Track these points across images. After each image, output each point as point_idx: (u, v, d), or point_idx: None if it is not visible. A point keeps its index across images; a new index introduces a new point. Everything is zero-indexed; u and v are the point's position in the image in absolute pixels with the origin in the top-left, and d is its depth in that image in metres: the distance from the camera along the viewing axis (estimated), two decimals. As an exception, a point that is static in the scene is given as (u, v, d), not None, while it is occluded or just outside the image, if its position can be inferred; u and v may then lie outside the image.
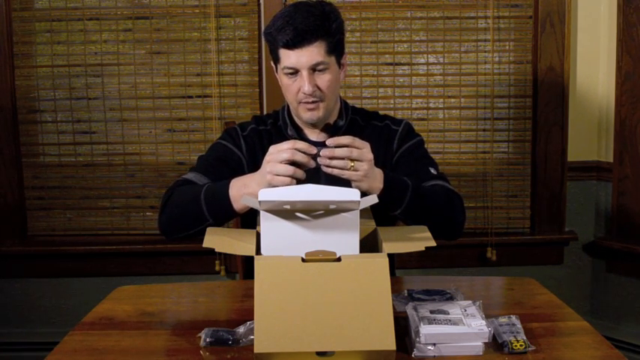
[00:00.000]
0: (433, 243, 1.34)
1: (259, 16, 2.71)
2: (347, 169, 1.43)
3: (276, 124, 1.78)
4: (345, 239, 1.32)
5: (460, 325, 1.27)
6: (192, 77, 2.75)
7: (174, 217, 1.63)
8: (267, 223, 1.32)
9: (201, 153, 1.81)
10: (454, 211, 1.65)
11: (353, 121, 1.78)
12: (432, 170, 1.72)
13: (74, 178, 2.79)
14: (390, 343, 1.17)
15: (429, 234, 1.39)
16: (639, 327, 2.72)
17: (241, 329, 1.34)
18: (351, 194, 1.28)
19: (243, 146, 1.75)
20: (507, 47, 2.74)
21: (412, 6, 2.71)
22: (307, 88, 1.61)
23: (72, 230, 2.82)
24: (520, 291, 1.64)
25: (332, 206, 1.30)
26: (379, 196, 1.37)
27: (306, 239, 1.31)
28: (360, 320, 1.18)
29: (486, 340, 1.27)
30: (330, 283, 1.21)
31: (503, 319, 1.35)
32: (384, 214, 1.53)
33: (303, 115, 1.68)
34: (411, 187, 1.55)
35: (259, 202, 1.28)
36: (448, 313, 1.31)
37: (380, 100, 2.74)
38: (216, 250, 1.30)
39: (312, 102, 1.64)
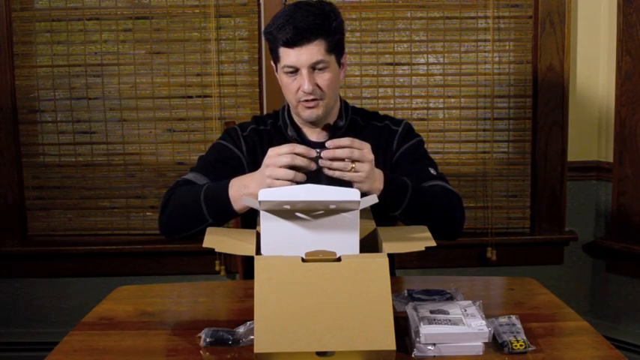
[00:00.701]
0: (433, 243, 1.34)
1: (259, 16, 2.71)
2: (348, 171, 1.42)
3: (276, 125, 1.78)
4: (345, 239, 1.32)
5: (460, 325, 1.27)
6: (192, 77, 2.75)
7: (175, 217, 1.63)
8: (267, 223, 1.32)
9: (201, 153, 1.81)
10: (454, 211, 1.65)
11: (353, 121, 1.78)
12: (432, 170, 1.72)
13: (74, 178, 2.79)
14: (390, 343, 1.17)
15: (429, 234, 1.39)
16: (639, 327, 2.72)
17: (241, 329, 1.34)
18: (351, 194, 1.28)
19: (244, 146, 1.75)
20: (507, 47, 2.73)
21: (412, 6, 2.71)
22: (307, 86, 1.61)
23: (72, 230, 2.81)
24: (520, 291, 1.63)
25: (332, 206, 1.30)
26: (379, 197, 1.37)
27: (306, 239, 1.31)
28: (360, 320, 1.18)
29: (486, 340, 1.26)
30: (330, 283, 1.21)
31: (503, 319, 1.35)
32: (384, 214, 1.53)
33: (303, 113, 1.68)
34: (410, 188, 1.55)
35: (259, 202, 1.28)
36: (448, 313, 1.31)
37: (380, 100, 2.74)
38: (216, 250, 1.30)
39: (312, 100, 1.64)
